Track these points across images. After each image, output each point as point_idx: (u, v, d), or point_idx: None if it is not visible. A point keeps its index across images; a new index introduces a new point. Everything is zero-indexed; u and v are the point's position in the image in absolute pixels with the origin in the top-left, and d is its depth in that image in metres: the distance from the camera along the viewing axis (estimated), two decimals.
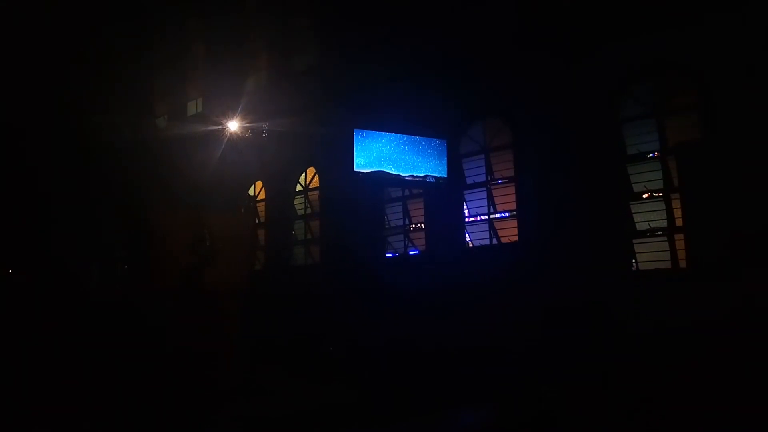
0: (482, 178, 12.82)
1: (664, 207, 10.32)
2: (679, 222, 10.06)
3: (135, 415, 6.55)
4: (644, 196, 10.63)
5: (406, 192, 14.12)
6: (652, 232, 10.48)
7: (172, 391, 7.01)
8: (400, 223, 14.34)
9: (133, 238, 18.87)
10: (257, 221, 17.14)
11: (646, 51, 10.32)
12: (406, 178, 12.37)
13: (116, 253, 21.24)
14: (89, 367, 8.18)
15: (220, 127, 15.18)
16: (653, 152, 10.59)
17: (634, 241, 10.60)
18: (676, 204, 10.15)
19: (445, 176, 12.47)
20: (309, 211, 16.41)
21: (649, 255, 10.47)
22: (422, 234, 13.85)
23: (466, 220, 13.05)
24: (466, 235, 13.04)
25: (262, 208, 17.65)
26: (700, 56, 9.69)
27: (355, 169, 11.93)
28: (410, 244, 14.26)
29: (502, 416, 7.00)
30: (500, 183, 12.63)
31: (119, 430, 6.20)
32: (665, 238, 10.29)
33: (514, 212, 12.22)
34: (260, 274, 16.45)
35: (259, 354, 9.65)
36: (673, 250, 10.12)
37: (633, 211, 10.64)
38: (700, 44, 9.62)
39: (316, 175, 16.15)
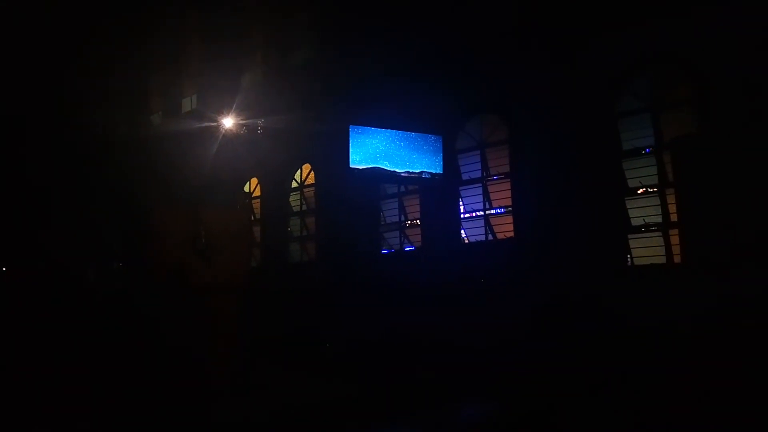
0: (478, 174, 12.83)
1: (660, 202, 10.36)
2: (674, 217, 10.10)
3: (132, 410, 6.54)
4: (639, 191, 10.67)
5: (402, 188, 14.13)
6: (648, 227, 10.52)
7: (169, 386, 7.00)
8: (396, 219, 14.36)
9: (129, 235, 18.85)
10: (253, 218, 17.13)
11: (641, 45, 10.34)
12: (402, 175, 12.39)
13: (112, 250, 21.21)
14: (85, 363, 8.17)
15: (215, 123, 15.15)
16: (649, 147, 10.62)
17: (630, 236, 10.65)
18: (671, 199, 10.19)
19: (441, 172, 12.49)
20: (305, 207, 16.40)
21: (645, 250, 10.52)
22: (418, 230, 13.87)
23: (462, 216, 13.07)
24: (462, 231, 13.07)
25: (258, 205, 17.64)
26: (697, 49, 9.70)
27: (351, 166, 11.93)
28: (406, 240, 14.27)
29: (501, 411, 7.02)
30: (496, 179, 12.65)
31: (117, 426, 6.20)
32: (660, 234, 10.33)
33: (510, 208, 12.25)
34: (256, 270, 16.44)
35: (257, 350, 9.64)
36: (668, 245, 10.16)
37: (628, 207, 10.68)
38: (696, 37, 9.63)
39: (312, 172, 16.14)
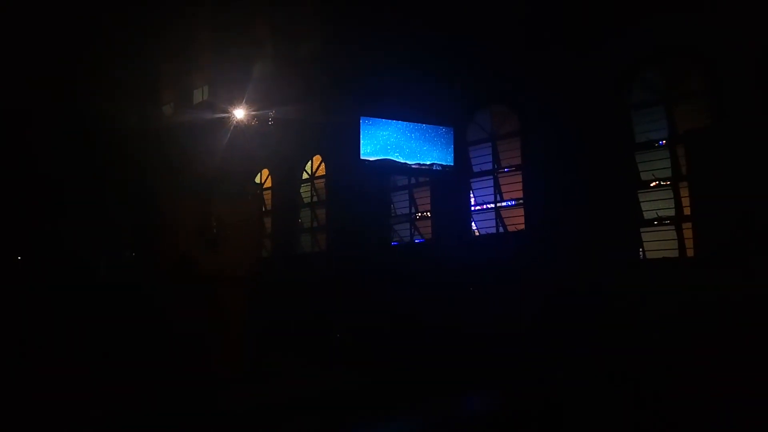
0: (489, 166, 12.78)
1: (672, 195, 10.27)
2: (687, 210, 10.00)
3: (144, 399, 6.61)
4: (652, 184, 10.57)
5: (413, 180, 14.11)
6: (660, 220, 10.43)
7: (181, 375, 7.07)
8: (407, 211, 14.34)
9: (141, 226, 18.96)
10: (264, 209, 17.19)
11: (653, 36, 10.21)
12: (413, 166, 12.35)
13: (124, 241, 21.36)
14: (97, 353, 8.25)
15: (226, 114, 15.18)
16: (661, 140, 10.51)
17: (642, 229, 10.56)
18: (684, 192, 10.09)
19: (452, 164, 12.44)
20: (315, 199, 16.43)
21: (657, 243, 10.43)
22: (428, 222, 13.85)
23: (473, 208, 13.03)
24: (473, 224, 13.03)
25: (269, 196, 17.69)
26: (709, 41, 9.57)
27: (362, 157, 11.91)
28: (416, 232, 14.26)
29: (508, 403, 7.02)
30: (507, 171, 12.59)
31: (129, 413, 6.26)
32: (673, 227, 10.24)
33: (521, 200, 12.19)
34: (267, 261, 16.51)
35: (267, 340, 9.70)
36: (680, 239, 10.07)
37: (641, 200, 10.59)
38: (709, 28, 9.50)
39: (323, 163, 16.16)
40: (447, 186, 13.05)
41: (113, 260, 21.59)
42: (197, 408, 6.38)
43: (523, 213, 12.13)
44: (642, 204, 10.58)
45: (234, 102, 15.22)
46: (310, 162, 16.53)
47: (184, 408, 6.35)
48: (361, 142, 11.87)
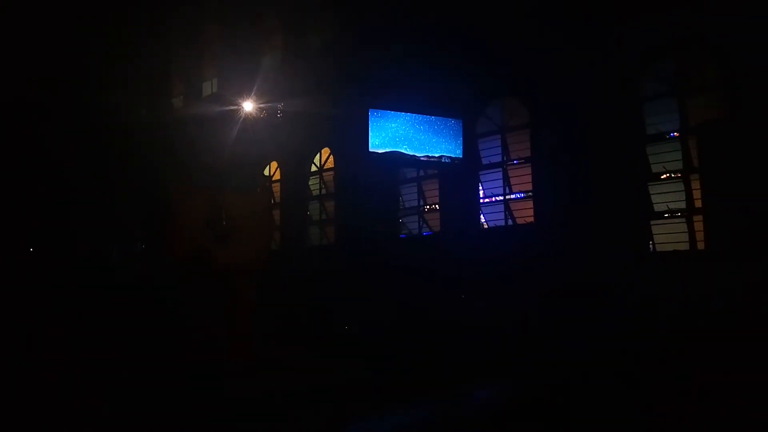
0: (498, 159, 12.73)
1: (683, 188, 10.19)
2: (698, 203, 9.93)
3: (152, 390, 6.66)
4: (663, 176, 10.49)
5: (421, 172, 14.08)
6: (671, 213, 10.36)
7: (190, 366, 7.12)
8: (415, 203, 14.33)
9: (151, 218, 19.09)
10: (273, 201, 17.23)
11: (667, 28, 10.11)
12: (421, 159, 12.32)
13: (134, 233, 21.52)
14: (107, 343, 8.32)
15: (235, 107, 15.19)
16: (673, 132, 10.43)
17: (652, 222, 10.50)
18: (695, 185, 10.01)
19: (461, 156, 12.41)
20: (324, 191, 16.44)
21: (667, 236, 10.37)
22: (437, 215, 13.83)
23: (482, 200, 13.00)
24: (482, 216, 13.00)
25: (278, 189, 17.72)
26: (723, 33, 9.46)
27: (370, 150, 11.90)
28: (425, 225, 14.25)
29: (515, 394, 7.03)
30: (516, 163, 12.54)
31: (137, 406, 6.32)
32: (684, 220, 10.17)
33: (530, 193, 12.14)
34: (276, 253, 16.56)
35: (276, 331, 9.75)
36: (691, 232, 10.00)
37: (651, 192, 10.53)
38: (723, 20, 9.38)
39: (331, 156, 16.15)
40: (456, 178, 13.02)
41: (124, 252, 21.76)
42: (206, 398, 6.43)
43: (532, 205, 12.09)
44: (652, 197, 10.52)
45: (243, 95, 15.21)
46: (318, 154, 16.54)
47: (192, 398, 6.41)
48: (370, 134, 11.86)
